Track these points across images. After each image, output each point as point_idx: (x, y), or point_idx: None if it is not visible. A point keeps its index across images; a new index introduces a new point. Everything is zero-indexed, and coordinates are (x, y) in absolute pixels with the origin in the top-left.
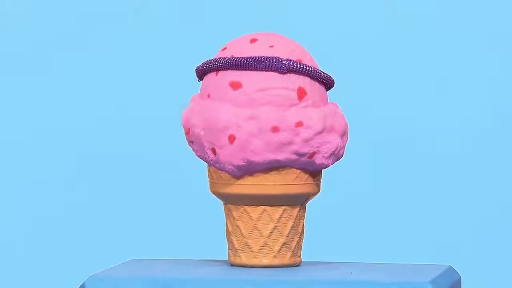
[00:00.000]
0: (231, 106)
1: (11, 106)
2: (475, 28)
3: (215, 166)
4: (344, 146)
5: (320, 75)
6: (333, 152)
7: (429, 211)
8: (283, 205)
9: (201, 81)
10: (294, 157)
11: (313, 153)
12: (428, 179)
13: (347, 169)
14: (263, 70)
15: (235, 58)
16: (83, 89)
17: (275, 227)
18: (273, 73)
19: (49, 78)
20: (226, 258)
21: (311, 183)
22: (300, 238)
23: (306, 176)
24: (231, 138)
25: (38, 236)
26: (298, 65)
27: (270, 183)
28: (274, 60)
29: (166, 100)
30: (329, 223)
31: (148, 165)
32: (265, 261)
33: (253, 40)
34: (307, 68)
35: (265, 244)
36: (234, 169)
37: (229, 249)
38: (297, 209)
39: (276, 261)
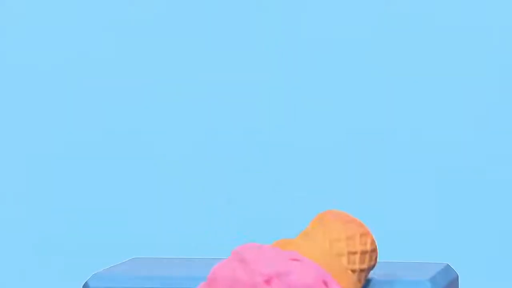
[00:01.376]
0: None
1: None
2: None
3: None
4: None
5: None
6: None
7: (426, 210)
8: None
9: None
10: None
11: None
12: (426, 177)
13: (345, 167)
14: None
15: None
16: (89, 90)
17: None
18: None
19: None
20: (226, 257)
21: None
22: None
23: None
24: None
25: (41, 236)
26: None
27: None
28: None
29: (168, 102)
30: None
31: (148, 165)
32: None
33: None
34: None
35: None
36: None
37: None
38: None
39: None
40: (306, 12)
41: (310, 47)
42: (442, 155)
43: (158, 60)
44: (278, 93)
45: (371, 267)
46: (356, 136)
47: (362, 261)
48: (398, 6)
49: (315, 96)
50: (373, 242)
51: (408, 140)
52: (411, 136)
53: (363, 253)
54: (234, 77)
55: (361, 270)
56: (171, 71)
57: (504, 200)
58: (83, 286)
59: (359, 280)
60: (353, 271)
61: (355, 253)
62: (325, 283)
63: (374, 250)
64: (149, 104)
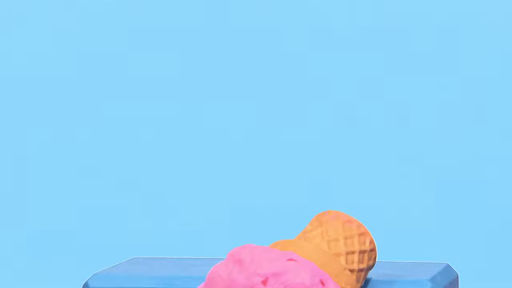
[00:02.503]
0: None
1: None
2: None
3: None
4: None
5: None
6: None
7: (426, 210)
8: None
9: None
10: None
11: None
12: (425, 177)
13: (346, 166)
14: None
15: None
16: (95, 89)
17: None
18: None
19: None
20: (225, 257)
21: None
22: None
23: None
24: None
25: (41, 236)
26: None
27: None
28: None
29: (169, 100)
30: None
31: (148, 165)
32: None
33: None
34: None
35: None
36: None
37: None
38: None
39: None
40: (302, 11)
41: (309, 47)
42: (442, 155)
43: (156, 59)
44: (277, 92)
45: (370, 267)
46: (356, 136)
47: (360, 261)
48: (398, 5)
49: (315, 95)
50: (372, 241)
51: (408, 139)
52: (411, 136)
53: (362, 252)
54: (232, 76)
55: (360, 270)
56: (170, 69)
57: (504, 200)
58: (83, 286)
59: (358, 280)
60: (352, 271)
61: (353, 252)
62: (322, 283)
63: (373, 250)
64: (148, 104)
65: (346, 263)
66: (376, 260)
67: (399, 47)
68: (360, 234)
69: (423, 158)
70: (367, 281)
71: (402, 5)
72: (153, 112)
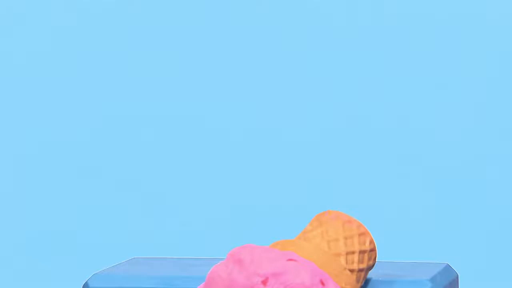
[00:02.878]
0: None
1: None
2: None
3: None
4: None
5: None
6: None
7: (426, 210)
8: None
9: None
10: None
11: None
12: (425, 177)
13: (346, 166)
14: None
15: None
16: (96, 89)
17: None
18: None
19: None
20: (225, 257)
21: None
22: None
23: None
24: None
25: (41, 235)
26: None
27: None
28: None
29: (169, 100)
30: None
31: (148, 165)
32: None
33: None
34: None
35: None
36: None
37: None
38: None
39: None
40: (302, 11)
41: (309, 47)
42: (442, 155)
43: (156, 59)
44: (277, 92)
45: (370, 267)
46: (356, 136)
47: (360, 261)
48: (398, 5)
49: (315, 95)
50: (372, 241)
51: (408, 139)
52: (411, 136)
53: (362, 252)
54: (232, 76)
55: (360, 270)
56: (170, 69)
57: (504, 200)
58: (83, 286)
59: (358, 280)
60: (352, 271)
61: (353, 252)
62: (322, 283)
63: (373, 250)
64: (148, 104)
65: (346, 263)
66: (376, 260)
67: (399, 47)
68: (360, 234)
69: (423, 158)
70: (367, 281)
71: (402, 5)
72: (153, 112)
